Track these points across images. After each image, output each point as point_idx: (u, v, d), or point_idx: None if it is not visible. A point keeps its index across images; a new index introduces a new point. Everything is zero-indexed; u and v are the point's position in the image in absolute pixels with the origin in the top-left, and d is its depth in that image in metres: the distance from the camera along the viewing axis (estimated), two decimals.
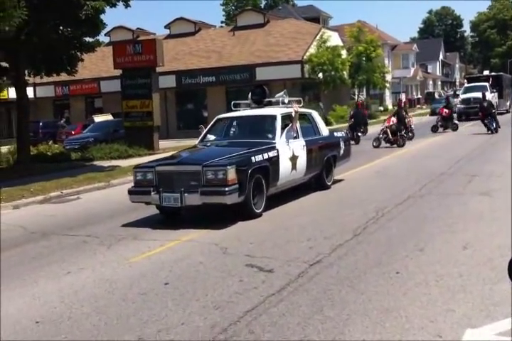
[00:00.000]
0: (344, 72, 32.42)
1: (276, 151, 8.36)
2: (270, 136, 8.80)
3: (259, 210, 7.87)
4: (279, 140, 8.66)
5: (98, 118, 25.29)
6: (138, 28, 39.88)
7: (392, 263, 5.41)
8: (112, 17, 46.67)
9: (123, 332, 4.12)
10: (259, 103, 10.09)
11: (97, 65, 32.00)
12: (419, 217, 7.33)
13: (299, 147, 9.02)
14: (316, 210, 8.35)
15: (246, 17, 35.64)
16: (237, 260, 5.79)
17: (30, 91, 20.73)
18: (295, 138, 9.05)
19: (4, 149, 21.29)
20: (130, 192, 8.03)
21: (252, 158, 7.76)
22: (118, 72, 21.22)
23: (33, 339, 4.08)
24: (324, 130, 10.46)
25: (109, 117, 25.28)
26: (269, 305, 4.46)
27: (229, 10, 66.43)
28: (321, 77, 31.17)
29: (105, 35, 35.97)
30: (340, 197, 9.44)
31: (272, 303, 4.50)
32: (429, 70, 68.89)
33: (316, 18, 43.00)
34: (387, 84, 40.47)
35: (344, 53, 33.86)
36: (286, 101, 9.92)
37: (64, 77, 19.91)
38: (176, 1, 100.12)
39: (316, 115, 10.52)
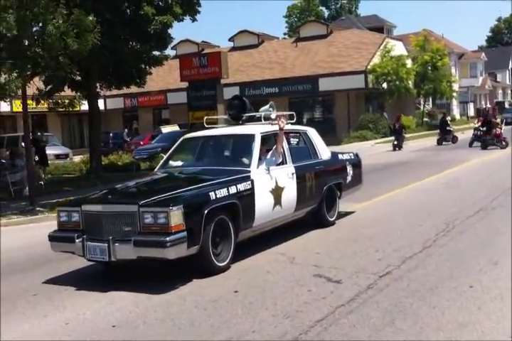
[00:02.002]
0: (409, 82, 31.90)
1: (250, 183, 6.38)
2: (245, 162, 6.81)
3: (224, 263, 5.94)
4: (256, 167, 6.65)
5: (165, 129, 25.95)
6: (203, 41, 40.82)
7: (465, 276, 5.28)
8: (178, 31, 48.08)
9: (196, 338, 4.22)
10: (237, 119, 7.91)
11: (164, 77, 32.95)
12: (491, 230, 7.11)
13: (285, 175, 7.02)
14: (383, 221, 8.20)
15: (309, 28, 35.80)
16: (304, 270, 5.81)
17: (100, 103, 21.55)
18: (280, 163, 7.12)
19: (77, 159, 22.29)
20: (50, 238, 6.12)
21: (211, 193, 5.80)
22: (184, 84, 21.77)
23: None
24: (324, 152, 8.26)
25: (175, 128, 25.89)
26: (339, 316, 4.44)
27: (291, 21, 66.89)
28: (385, 87, 30.80)
29: (171, 48, 37.04)
30: (408, 208, 9.23)
31: (342, 314, 4.48)
32: (499, 79, 66.64)
33: (380, 27, 42.62)
34: (455, 94, 39.45)
35: (409, 63, 33.31)
36: (273, 116, 7.64)
37: (133, 89, 20.63)
38: (240, 15, 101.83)
39: (313, 133, 8.29)
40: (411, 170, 14.94)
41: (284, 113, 8.42)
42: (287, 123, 7.58)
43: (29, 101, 13.23)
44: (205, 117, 8.26)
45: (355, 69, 29.73)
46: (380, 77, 30.16)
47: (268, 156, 7.07)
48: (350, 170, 8.65)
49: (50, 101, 15.11)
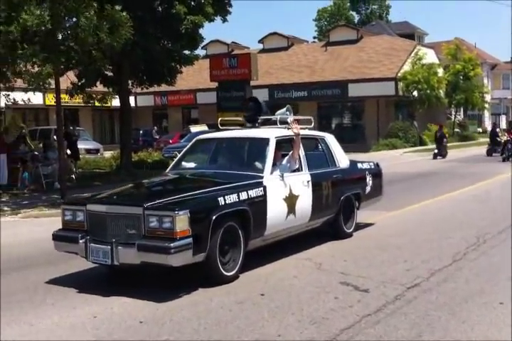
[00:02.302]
0: (440, 91, 31.57)
1: (262, 189, 6.10)
2: (258, 167, 6.49)
3: (232, 272, 5.68)
4: (269, 173, 6.37)
5: (194, 129, 26.09)
6: (233, 42, 40.94)
7: (496, 292, 5.19)
8: (208, 31, 48.36)
9: (221, 338, 4.22)
10: (252, 121, 7.52)
11: (194, 76, 33.11)
12: None
13: (300, 183, 6.73)
14: (412, 231, 8.10)
15: (339, 33, 35.66)
16: (331, 277, 5.77)
17: (131, 100, 21.76)
18: (296, 170, 6.82)
19: (108, 154, 22.53)
20: (54, 237, 5.97)
21: (220, 198, 5.54)
22: (214, 84, 21.85)
23: (137, 338, 4.27)
24: (343, 160, 7.88)
25: (204, 128, 25.99)
26: (366, 326, 4.40)
27: (321, 25, 66.70)
28: (416, 95, 30.51)
29: (202, 48, 37.21)
30: (437, 219, 9.09)
31: (369, 324, 4.44)
32: None
33: (410, 34, 42.29)
34: (487, 105, 38.92)
35: (440, 71, 32.97)
36: (289, 120, 7.25)
37: (163, 87, 20.75)
38: (270, 17, 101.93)
39: (331, 140, 7.93)
40: (442, 181, 14.76)
41: (302, 117, 8.21)
42: (304, 129, 7.39)
43: (62, 95, 13.40)
44: (219, 118, 7.90)
45: (386, 76, 29.52)
46: (410, 84, 29.89)
47: (283, 162, 6.81)
48: (369, 180, 8.29)
49: (83, 95, 15.31)
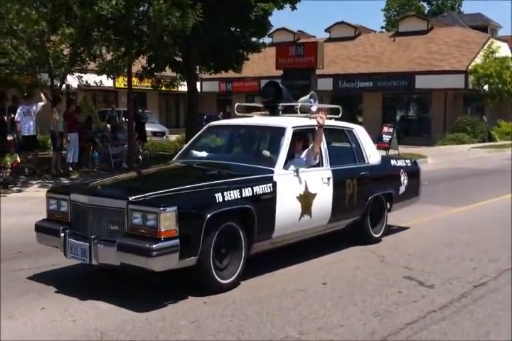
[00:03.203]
0: None
1: (271, 185, 5.35)
2: (270, 159, 5.72)
3: (229, 280, 5.00)
4: (281, 167, 5.62)
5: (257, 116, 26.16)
6: (299, 31, 40.63)
7: None
8: (274, 18, 48.19)
9: (283, 324, 4.26)
10: (272, 108, 6.78)
11: (258, 64, 33.15)
12: None
13: (318, 180, 5.95)
14: (481, 228, 7.85)
15: (408, 23, 34.67)
16: (394, 270, 5.70)
17: (197, 86, 22.05)
18: (316, 165, 6.05)
19: (173, 137, 22.99)
20: (37, 228, 5.38)
21: (218, 195, 4.84)
22: (278, 72, 21.83)
23: (202, 317, 4.37)
24: (373, 155, 7.04)
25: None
26: (431, 322, 4.33)
27: (390, 15, 65.15)
28: (487, 90, 29.38)
29: (268, 36, 37.15)
30: (508, 217, 8.72)
31: (434, 320, 4.36)
32: None
33: (483, 27, 40.59)
34: None
35: None
36: (313, 108, 6.53)
37: (228, 74, 20.91)
38: (338, 6, 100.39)
39: (360, 132, 7.06)
40: None
41: (328, 105, 7.39)
42: (330, 119, 6.69)
43: (132, 79, 13.75)
44: (236, 104, 7.13)
45: (455, 69, 28.52)
46: (481, 78, 28.78)
47: (302, 156, 6.03)
48: (404, 179, 7.39)
49: (152, 79, 15.64)
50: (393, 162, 7.57)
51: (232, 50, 17.85)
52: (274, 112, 6.72)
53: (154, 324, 4.24)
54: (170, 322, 4.26)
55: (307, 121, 6.32)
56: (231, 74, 20.62)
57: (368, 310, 4.56)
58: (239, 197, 5.01)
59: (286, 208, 5.50)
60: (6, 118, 13.21)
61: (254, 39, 19.62)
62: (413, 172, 7.71)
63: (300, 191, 5.67)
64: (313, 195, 5.81)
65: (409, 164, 7.75)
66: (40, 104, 12.35)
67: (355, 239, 6.78)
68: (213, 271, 4.84)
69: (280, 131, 5.93)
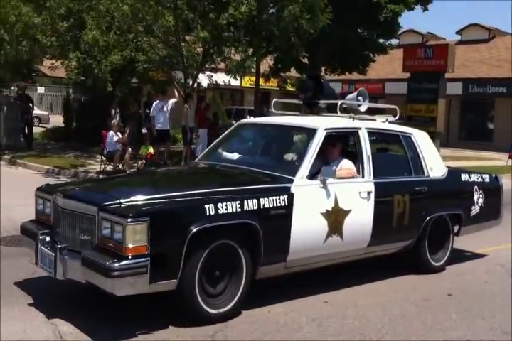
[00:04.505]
0: None
1: (286, 197, 4.45)
2: (291, 166, 4.88)
3: (224, 309, 4.16)
4: (303, 176, 4.67)
5: (380, 119, 25.69)
6: (428, 33, 39.28)
7: None
8: (402, 20, 46.87)
9: (406, 332, 4.17)
10: (311, 105, 5.90)
11: (383, 66, 32.51)
12: None
13: (354, 194, 4.96)
14: None
15: None
16: None
17: None
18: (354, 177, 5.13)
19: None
20: (21, 230, 4.80)
21: (209, 206, 4.02)
22: (403, 75, 21.25)
23: (322, 316, 4.39)
24: (436, 167, 5.82)
25: (390, 118, 25.48)
26: None
27: None
28: None
29: (395, 37, 36.31)
30: None
31: None
32: None
33: None
34: None
35: None
36: (362, 108, 5.70)
37: (352, 75, 20.76)
38: (470, 7, 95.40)
39: (421, 139, 5.89)
40: None
41: (382, 105, 6.60)
42: (384, 121, 5.85)
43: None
44: (274, 100, 6.31)
45: None
46: None
47: (338, 164, 5.14)
48: (479, 197, 6.14)
49: (278, 79, 15.92)
50: (464, 176, 6.20)
51: (358, 52, 17.70)
52: (313, 110, 5.77)
53: None
54: None
55: (349, 122, 5.37)
56: (355, 75, 20.46)
57: (497, 326, 4.35)
58: (238, 210, 4.16)
59: (307, 226, 4.57)
60: (141, 112, 14.10)
61: (381, 40, 19.32)
62: (491, 190, 6.41)
63: (327, 206, 4.70)
64: (346, 212, 4.83)
65: (486, 179, 6.41)
66: (174, 100, 13.05)
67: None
68: (199, 297, 3.99)
69: (310, 133, 5.04)
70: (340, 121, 5.41)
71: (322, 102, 5.75)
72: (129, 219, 3.68)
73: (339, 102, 5.43)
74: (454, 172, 6.17)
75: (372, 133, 5.38)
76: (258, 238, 4.24)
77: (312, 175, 4.73)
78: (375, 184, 5.09)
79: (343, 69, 18.39)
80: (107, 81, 13.40)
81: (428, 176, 5.68)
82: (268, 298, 4.63)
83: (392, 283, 5.33)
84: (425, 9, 19.14)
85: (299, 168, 4.71)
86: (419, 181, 5.59)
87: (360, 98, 5.70)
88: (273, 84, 18.62)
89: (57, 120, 23.77)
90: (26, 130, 15.65)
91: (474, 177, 6.29)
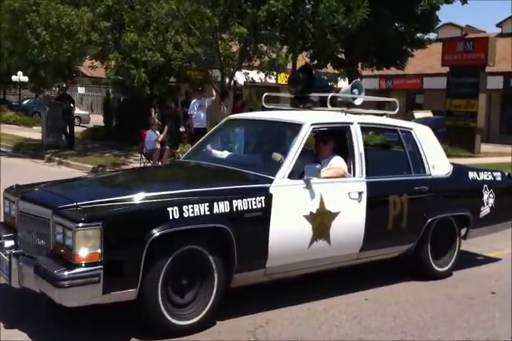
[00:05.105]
0: None
1: (263, 199, 4.09)
2: (272, 165, 4.49)
3: (192, 320, 3.84)
4: (284, 175, 4.30)
5: (418, 115, 25.28)
6: (467, 26, 38.45)
7: None
8: (440, 13, 46.00)
9: (449, 330, 4.13)
10: (302, 99, 5.45)
11: (421, 60, 31.97)
12: None
13: (343, 194, 4.56)
14: None
15: None
16: None
17: None
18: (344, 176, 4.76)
19: None
20: None
21: (172, 209, 3.71)
22: (442, 69, 20.91)
23: (363, 314, 4.39)
24: (438, 164, 5.35)
25: (428, 114, 25.05)
26: None
27: None
28: None
29: (433, 31, 35.69)
30: None
31: None
32: None
33: None
34: None
35: None
36: (357, 102, 5.22)
37: (389, 70, 20.52)
38: None
39: (423, 134, 5.42)
40: None
41: (380, 99, 5.96)
42: (382, 115, 5.44)
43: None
44: (265, 94, 5.85)
45: None
46: None
47: (327, 162, 4.78)
48: (489, 197, 5.66)
49: None
50: (472, 174, 5.66)
51: (395, 47, 17.49)
52: (304, 104, 5.40)
53: None
54: None
55: (340, 116, 4.95)
56: (392, 71, 20.24)
57: None
58: (207, 212, 3.83)
59: (288, 230, 4.20)
60: (179, 111, 14.27)
61: (419, 35, 19.04)
62: (504, 189, 5.93)
63: (311, 208, 4.30)
64: (334, 215, 4.42)
65: (498, 178, 5.87)
66: (211, 98, 13.17)
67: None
68: (163, 308, 3.70)
69: (295, 128, 4.63)
70: (330, 116, 5.02)
71: (313, 95, 5.32)
72: (80, 224, 3.41)
73: (329, 95, 4.99)
74: (460, 171, 5.70)
75: (366, 128, 5.06)
76: (230, 243, 3.90)
77: (300, 175, 4.39)
78: (368, 183, 4.69)
79: (380, 65, 18.20)
80: (145, 84, 13.59)
81: (430, 175, 5.24)
82: (308, 295, 4.65)
83: (430, 281, 5.25)
84: (464, 2, 18.76)
85: (280, 166, 4.36)
86: (419, 180, 5.16)
87: (355, 90, 5.28)
88: None
89: (97, 119, 24.32)
90: (68, 129, 16.04)
91: (484, 176, 5.76)
